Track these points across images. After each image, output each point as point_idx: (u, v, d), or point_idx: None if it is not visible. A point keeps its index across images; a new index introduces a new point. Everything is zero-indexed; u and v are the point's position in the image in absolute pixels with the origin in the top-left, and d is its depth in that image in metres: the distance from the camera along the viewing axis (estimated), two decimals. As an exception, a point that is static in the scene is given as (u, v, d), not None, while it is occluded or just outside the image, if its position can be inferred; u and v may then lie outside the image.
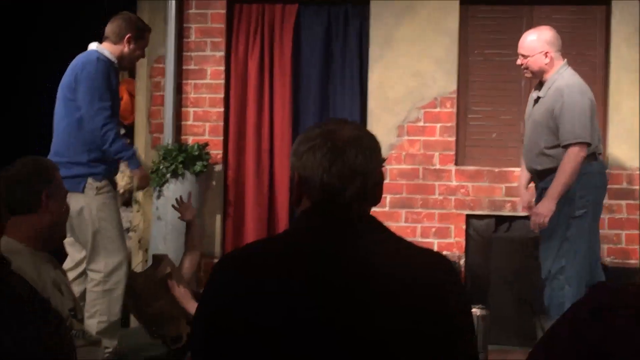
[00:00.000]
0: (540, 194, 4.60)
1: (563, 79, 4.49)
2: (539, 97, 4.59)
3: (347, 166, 1.83)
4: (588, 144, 4.38)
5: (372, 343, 1.69)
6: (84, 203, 4.49)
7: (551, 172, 4.48)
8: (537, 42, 4.56)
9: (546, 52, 4.52)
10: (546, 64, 4.53)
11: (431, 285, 1.77)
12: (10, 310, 1.71)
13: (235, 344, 1.72)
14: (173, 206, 4.91)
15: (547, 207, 4.39)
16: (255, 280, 1.75)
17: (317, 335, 1.69)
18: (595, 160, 4.52)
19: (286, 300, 1.71)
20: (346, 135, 1.86)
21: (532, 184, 4.85)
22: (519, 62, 4.66)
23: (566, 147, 4.39)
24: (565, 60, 4.63)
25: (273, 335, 1.69)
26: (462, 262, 5.81)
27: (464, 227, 5.89)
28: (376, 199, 1.92)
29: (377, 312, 1.71)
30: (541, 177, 4.62)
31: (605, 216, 5.75)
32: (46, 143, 4.72)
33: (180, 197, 4.93)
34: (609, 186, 5.70)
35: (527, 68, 4.63)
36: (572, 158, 4.35)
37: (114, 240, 4.57)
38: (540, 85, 4.64)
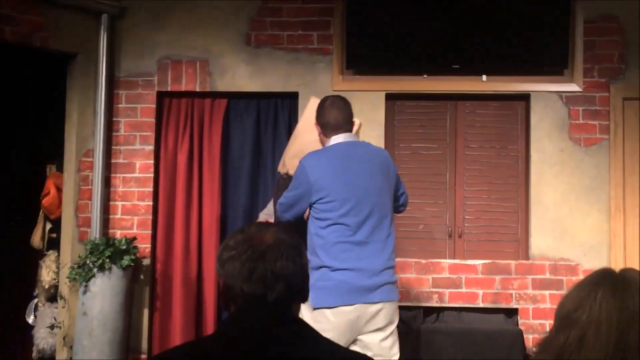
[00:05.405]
0: None
1: None
2: None
3: (270, 271, 1.86)
4: None
5: None
6: None
7: None
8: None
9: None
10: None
11: None
12: None
13: None
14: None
15: None
16: None
17: None
18: None
19: None
20: (267, 240, 1.90)
21: None
22: None
23: None
24: None
25: None
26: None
27: (392, 318, 5.87)
28: (303, 298, 1.96)
29: None
30: None
31: (529, 306, 5.83)
32: None
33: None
34: (533, 276, 5.84)
35: None
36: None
37: None
38: None
